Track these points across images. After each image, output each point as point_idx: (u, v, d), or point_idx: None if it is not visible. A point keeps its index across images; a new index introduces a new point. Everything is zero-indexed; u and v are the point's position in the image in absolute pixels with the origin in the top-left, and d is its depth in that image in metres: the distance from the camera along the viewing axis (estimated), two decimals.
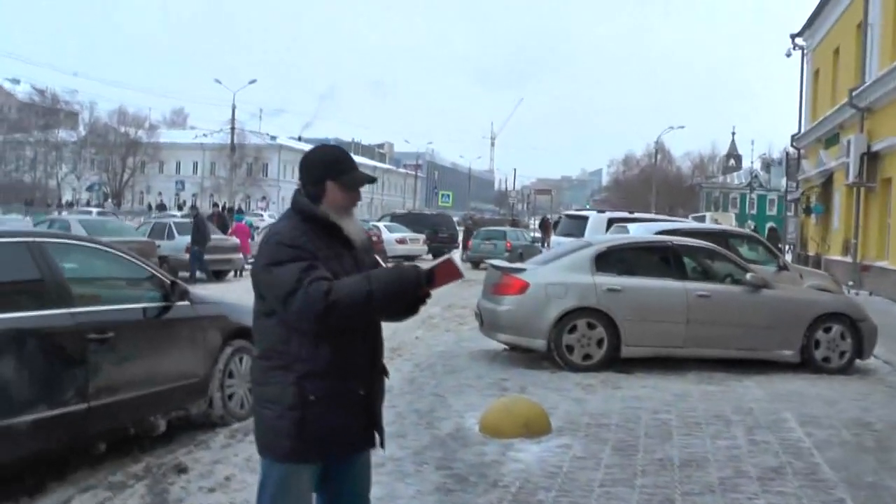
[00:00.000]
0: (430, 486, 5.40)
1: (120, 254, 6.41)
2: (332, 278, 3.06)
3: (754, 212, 72.03)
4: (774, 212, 79.17)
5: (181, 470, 5.76)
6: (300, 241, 3.11)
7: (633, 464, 5.94)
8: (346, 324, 3.09)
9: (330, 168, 3.26)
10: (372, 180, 3.46)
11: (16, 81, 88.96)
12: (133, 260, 6.43)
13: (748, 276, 10.16)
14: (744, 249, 14.07)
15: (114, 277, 6.54)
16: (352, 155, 3.41)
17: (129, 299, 6.31)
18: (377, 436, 3.36)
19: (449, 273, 3.20)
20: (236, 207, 52.57)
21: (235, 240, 23.07)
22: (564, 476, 5.62)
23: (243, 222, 29.63)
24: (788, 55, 34.59)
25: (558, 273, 9.88)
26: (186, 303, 6.49)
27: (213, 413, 6.82)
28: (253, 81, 60.70)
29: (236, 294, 16.75)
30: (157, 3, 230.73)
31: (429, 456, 6.06)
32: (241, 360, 7.03)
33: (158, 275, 6.51)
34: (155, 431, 6.28)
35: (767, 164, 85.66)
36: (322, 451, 3.20)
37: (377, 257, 3.48)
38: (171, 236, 21.29)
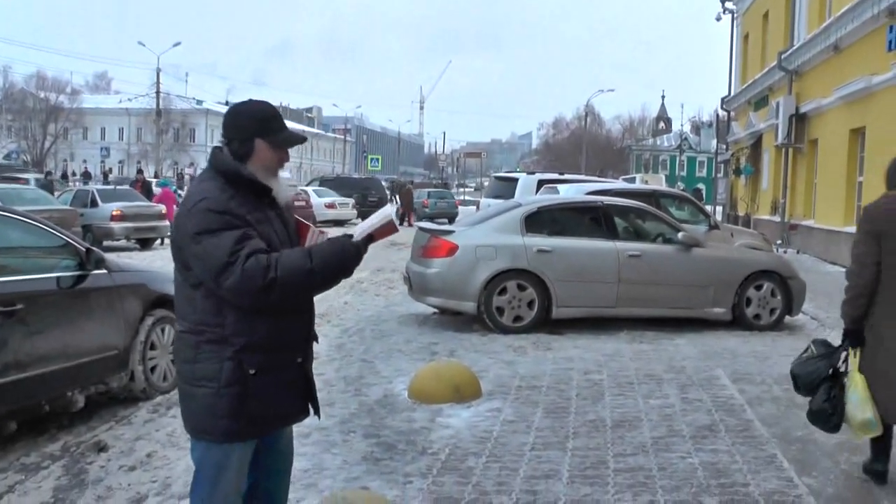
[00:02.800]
0: (358, 455, 5.26)
1: (30, 221, 6.07)
2: (268, 250, 2.87)
3: (684, 174, 73.19)
4: (704, 173, 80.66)
5: (101, 448, 5.52)
6: (230, 206, 2.89)
7: (565, 426, 5.89)
8: (286, 300, 2.92)
9: (261, 125, 3.04)
10: (303, 140, 3.28)
11: None
12: (45, 227, 6.09)
13: (679, 235, 10.19)
14: (674, 209, 14.16)
15: (23, 246, 6.18)
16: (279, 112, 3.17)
17: (41, 269, 5.96)
18: (311, 404, 3.22)
19: (386, 230, 3.10)
20: (167, 174, 51.30)
21: (160, 207, 22.49)
22: (495, 441, 5.54)
23: (168, 188, 28.87)
24: (718, 19, 35.06)
25: (488, 235, 9.78)
26: (103, 271, 6.19)
27: (135, 387, 6.56)
28: (177, 44, 59.48)
29: (161, 262, 16.47)
30: None
31: (356, 424, 5.93)
32: (163, 330, 6.79)
33: (73, 243, 6.18)
34: (73, 408, 6.01)
35: (697, 127, 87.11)
36: (261, 427, 3.05)
37: (297, 216, 3.29)
38: (94, 204, 20.65)
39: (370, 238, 3.06)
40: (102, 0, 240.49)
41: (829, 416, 4.77)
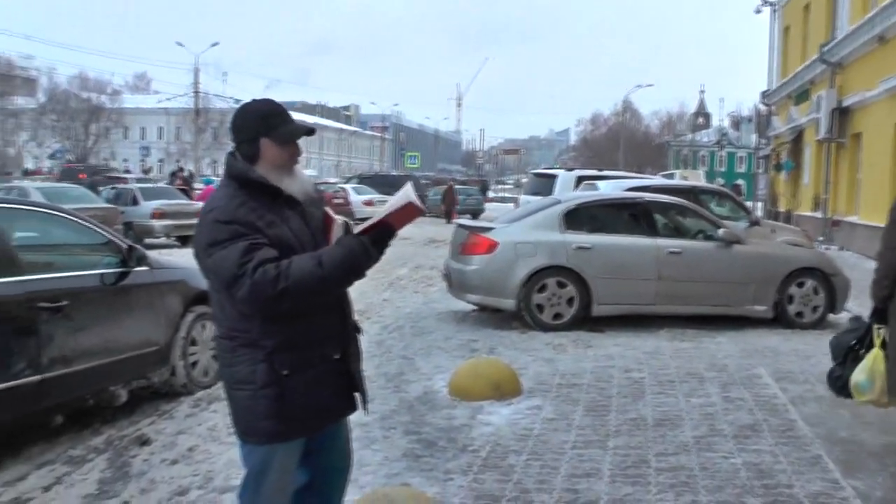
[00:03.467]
0: (398, 451, 5.26)
1: (74, 219, 6.15)
2: (278, 258, 2.82)
3: (723, 169, 72.49)
4: (744, 169, 79.80)
5: (143, 442, 5.60)
6: (238, 214, 2.86)
7: (606, 424, 5.83)
8: (301, 306, 2.88)
9: (263, 123, 2.99)
10: (309, 132, 3.14)
11: None
12: (88, 225, 6.17)
13: (720, 231, 10.06)
14: (714, 205, 14.01)
15: (68, 244, 6.27)
16: (284, 107, 3.11)
17: (84, 266, 6.04)
18: (359, 399, 3.19)
19: (408, 213, 2.94)
20: (205, 172, 51.81)
21: (199, 204, 22.69)
22: (535, 438, 5.51)
23: (212, 185, 29.18)
24: (758, 12, 34.64)
25: (527, 231, 9.72)
26: (145, 268, 6.25)
27: (176, 382, 6.63)
28: (216, 44, 59.86)
29: None
30: None
31: (396, 421, 5.92)
32: (203, 326, 6.83)
33: (115, 240, 6.25)
34: (116, 402, 6.10)
35: (736, 122, 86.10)
36: (304, 426, 3.02)
37: (327, 210, 3.17)
38: (135, 202, 20.91)
39: (387, 228, 2.92)
40: (143, 2, 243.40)
41: (836, 377, 5.09)
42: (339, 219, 3.09)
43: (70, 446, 5.54)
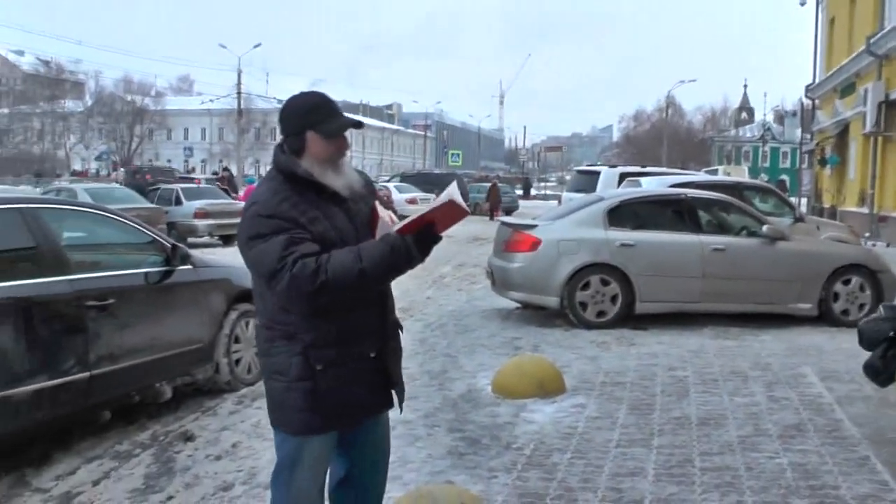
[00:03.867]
0: (442, 449, 5.25)
1: (119, 218, 6.24)
2: (318, 252, 2.80)
3: (767, 165, 71.51)
4: (788, 164, 78.68)
5: (188, 438, 5.68)
6: (280, 209, 2.84)
7: (650, 423, 5.77)
8: (340, 301, 2.86)
9: (308, 116, 2.95)
10: (357, 125, 3.07)
11: (20, 53, 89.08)
12: (133, 224, 6.26)
13: (764, 228, 9.92)
14: (758, 201, 13.81)
15: (113, 243, 6.36)
16: (332, 99, 3.05)
17: (130, 265, 6.14)
18: (395, 396, 3.17)
19: (451, 212, 2.84)
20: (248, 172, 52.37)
21: (242, 204, 22.91)
22: (580, 437, 5.47)
23: (253, 185, 29.50)
24: (803, 3, 34.17)
25: (571, 229, 9.67)
26: (189, 267, 6.33)
27: (220, 379, 6.70)
28: (258, 45, 60.21)
29: None
30: None
31: (440, 418, 5.92)
32: (247, 324, 6.90)
33: (159, 239, 6.33)
34: (161, 398, 6.18)
35: (780, 117, 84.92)
36: (336, 420, 3.02)
37: (378, 205, 3.09)
38: (178, 202, 21.17)
39: (428, 226, 2.83)
40: (187, 4, 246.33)
41: (878, 371, 4.84)
42: (384, 214, 3.05)
43: (117, 441, 5.65)
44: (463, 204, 2.87)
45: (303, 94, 3.06)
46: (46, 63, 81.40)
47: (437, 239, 2.87)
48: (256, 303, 3.09)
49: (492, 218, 30.72)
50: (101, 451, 5.47)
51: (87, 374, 5.24)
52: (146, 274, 6.00)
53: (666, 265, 9.50)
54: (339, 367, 2.95)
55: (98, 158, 70.43)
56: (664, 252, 9.56)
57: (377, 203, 3.09)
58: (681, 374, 7.20)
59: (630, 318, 9.43)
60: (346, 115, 3.04)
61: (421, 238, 2.84)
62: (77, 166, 74.22)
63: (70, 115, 76.98)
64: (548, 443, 5.34)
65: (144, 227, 6.33)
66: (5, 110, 77.52)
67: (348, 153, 3.12)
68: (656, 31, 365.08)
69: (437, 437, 5.51)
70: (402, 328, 3.27)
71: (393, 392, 3.16)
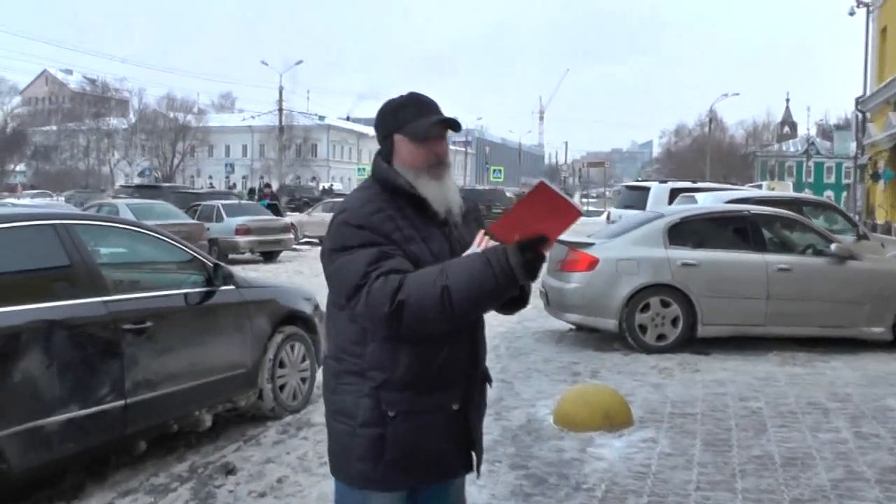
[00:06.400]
0: (506, 488, 4.81)
1: (159, 236, 5.91)
2: (409, 270, 2.37)
3: (811, 180, 70.31)
4: (833, 180, 77.37)
5: (229, 471, 5.30)
6: (372, 221, 2.43)
7: (730, 462, 5.28)
8: (424, 331, 2.39)
9: (395, 118, 2.53)
10: (453, 125, 2.57)
11: (68, 72, 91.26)
12: (173, 242, 5.92)
13: (832, 246, 9.38)
14: (823, 220, 13.22)
15: (152, 262, 6.03)
16: (427, 98, 2.61)
17: (169, 285, 5.79)
18: (474, 457, 2.71)
19: (547, 205, 2.25)
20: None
21: (285, 220, 22.73)
22: (654, 477, 4.99)
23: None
24: (852, 13, 33.29)
25: (629, 247, 9.20)
26: (231, 287, 5.97)
27: (264, 406, 6.32)
28: (299, 62, 60.83)
29: (286, 275, 16.52)
30: None
31: (501, 453, 5.47)
32: (292, 347, 6.55)
33: (200, 257, 5.98)
34: (200, 427, 5.79)
35: (824, 131, 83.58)
36: (404, 478, 2.55)
37: (484, 235, 2.49)
38: (219, 218, 21.00)
39: (540, 240, 2.29)
40: (229, 22, 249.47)
41: None
42: (482, 232, 2.52)
43: (153, 473, 5.29)
44: (561, 192, 2.31)
45: (398, 95, 2.63)
46: (93, 82, 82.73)
47: (540, 240, 2.32)
48: (327, 327, 2.66)
49: None
50: (137, 483, 5.10)
51: (122, 402, 4.88)
52: (186, 295, 5.64)
53: (729, 286, 9.00)
54: (414, 415, 2.50)
55: (140, 174, 71.15)
56: (727, 272, 9.06)
57: (483, 233, 2.49)
58: (754, 406, 6.68)
59: (691, 342, 8.94)
60: (440, 114, 2.59)
61: (527, 248, 2.31)
62: (121, 182, 75.10)
63: (114, 132, 77.99)
64: (620, 483, 4.88)
65: (184, 245, 5.97)
66: (53, 128, 78.82)
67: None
68: (697, 44, 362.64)
69: (498, 474, 5.07)
70: (490, 380, 2.83)
71: (472, 453, 2.71)
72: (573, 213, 2.31)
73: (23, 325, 4.43)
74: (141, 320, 5.05)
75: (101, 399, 4.77)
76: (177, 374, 5.37)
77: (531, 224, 2.28)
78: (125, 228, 5.93)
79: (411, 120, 2.52)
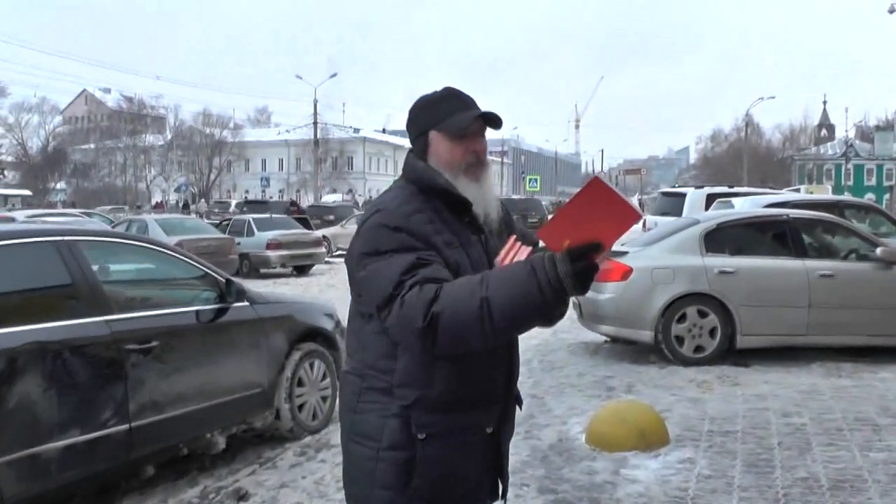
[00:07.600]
0: None
1: (168, 251, 5.70)
2: (447, 279, 2.13)
3: (850, 183, 69.15)
4: (873, 182, 76.00)
5: (241, 497, 5.07)
6: (410, 224, 2.20)
7: (773, 485, 4.90)
8: (459, 348, 2.13)
9: (430, 113, 2.33)
10: (493, 119, 2.34)
11: (106, 90, 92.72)
12: (183, 258, 5.70)
13: (878, 251, 8.93)
14: (856, 221, 12.73)
15: (161, 278, 5.82)
16: (463, 93, 2.38)
17: (178, 302, 5.55)
18: (500, 483, 2.47)
19: (599, 199, 1.96)
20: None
21: (317, 234, 22.61)
22: (692, 502, 4.65)
23: None
24: (892, 11, 32.60)
25: (664, 255, 8.83)
26: (245, 303, 5.73)
27: (282, 426, 6.08)
28: (334, 75, 60.78)
29: (318, 289, 16.31)
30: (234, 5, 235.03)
31: (530, 475, 5.15)
32: (311, 365, 6.30)
33: (212, 273, 5.74)
34: (213, 450, 5.56)
35: (863, 132, 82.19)
36: None
37: (515, 239, 2.30)
38: (250, 233, 20.91)
39: (594, 246, 1.98)
40: (266, 37, 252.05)
41: None
42: (513, 238, 2.30)
43: (162, 499, 5.08)
44: (615, 190, 2.00)
45: (432, 92, 2.41)
46: (130, 99, 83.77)
47: (594, 247, 2.01)
48: (348, 339, 2.41)
49: None
50: None
51: (126, 425, 4.66)
52: (197, 312, 5.41)
53: (769, 294, 8.60)
54: (447, 438, 2.25)
55: (177, 190, 71.78)
56: (767, 279, 8.66)
57: (514, 239, 2.30)
58: (798, 422, 6.29)
59: (730, 354, 8.55)
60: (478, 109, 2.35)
61: (579, 256, 2.00)
62: (158, 198, 75.84)
63: (151, 149, 78.86)
64: None
65: (196, 261, 5.75)
66: (92, 145, 79.93)
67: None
68: (733, 48, 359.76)
69: (526, 498, 4.76)
70: (521, 403, 2.60)
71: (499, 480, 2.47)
72: (632, 216, 2.00)
73: (19, 348, 4.24)
74: (146, 340, 4.84)
75: (103, 423, 4.55)
76: (186, 395, 5.15)
77: (583, 227, 1.98)
78: (133, 245, 5.72)
79: (449, 115, 2.30)
